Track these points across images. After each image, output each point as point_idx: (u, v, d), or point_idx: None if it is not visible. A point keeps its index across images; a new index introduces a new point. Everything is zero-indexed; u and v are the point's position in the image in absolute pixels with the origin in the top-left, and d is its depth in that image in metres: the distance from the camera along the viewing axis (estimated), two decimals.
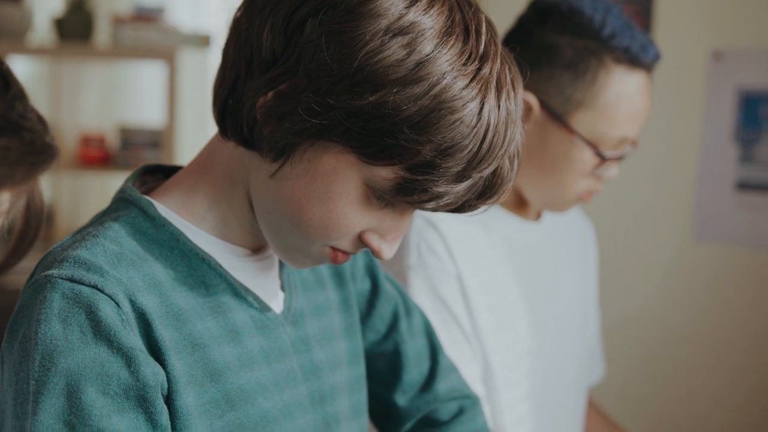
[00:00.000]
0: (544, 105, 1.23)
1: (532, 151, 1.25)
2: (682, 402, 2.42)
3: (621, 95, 1.21)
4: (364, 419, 0.99)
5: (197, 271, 0.81)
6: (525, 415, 1.33)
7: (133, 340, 0.74)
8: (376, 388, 1.04)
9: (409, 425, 1.04)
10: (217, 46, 3.05)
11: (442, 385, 1.05)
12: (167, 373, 0.76)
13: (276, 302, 0.88)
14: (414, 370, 1.03)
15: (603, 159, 1.23)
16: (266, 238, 0.84)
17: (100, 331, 0.73)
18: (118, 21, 2.96)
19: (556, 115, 1.23)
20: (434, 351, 1.06)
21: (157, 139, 3.04)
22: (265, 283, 0.87)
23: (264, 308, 0.86)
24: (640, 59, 1.22)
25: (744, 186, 2.32)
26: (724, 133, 2.32)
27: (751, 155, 2.31)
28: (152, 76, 3.21)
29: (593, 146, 1.22)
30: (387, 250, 0.80)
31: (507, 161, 0.77)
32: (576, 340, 1.44)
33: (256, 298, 0.85)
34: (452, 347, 1.20)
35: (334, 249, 0.80)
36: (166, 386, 0.76)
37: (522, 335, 1.32)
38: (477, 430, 1.06)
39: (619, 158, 1.26)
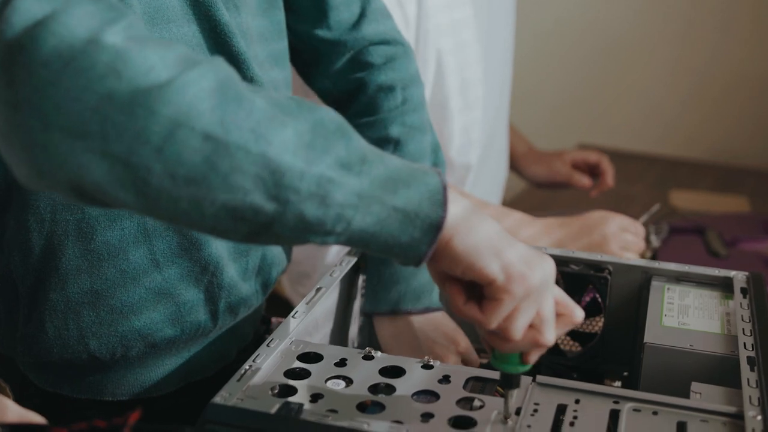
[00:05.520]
0: None
1: None
2: (620, 105, 2.48)
3: None
4: (287, 69, 0.97)
5: None
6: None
7: None
8: (302, 26, 1.00)
9: (338, 64, 1.02)
10: None
11: (373, 26, 1.01)
12: None
13: None
14: (342, 6, 0.99)
15: None
16: None
17: None
18: None
19: None
20: None
21: None
22: None
23: None
24: None
25: None
26: None
27: None
28: None
29: None
30: None
31: None
32: (508, 48, 1.53)
33: None
34: None
35: None
36: None
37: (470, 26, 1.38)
38: (408, 77, 1.03)
39: None
